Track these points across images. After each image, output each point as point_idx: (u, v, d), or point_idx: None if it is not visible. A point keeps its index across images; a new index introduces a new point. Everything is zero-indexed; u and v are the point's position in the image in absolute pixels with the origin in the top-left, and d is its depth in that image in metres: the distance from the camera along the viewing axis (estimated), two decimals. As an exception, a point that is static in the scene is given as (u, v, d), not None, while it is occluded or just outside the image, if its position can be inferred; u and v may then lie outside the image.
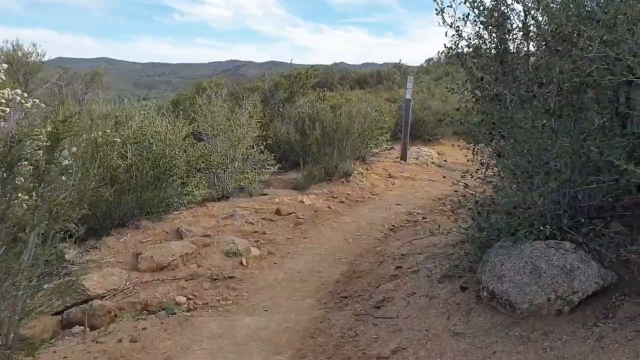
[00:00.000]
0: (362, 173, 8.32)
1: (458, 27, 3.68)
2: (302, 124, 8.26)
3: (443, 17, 3.65)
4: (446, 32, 3.71)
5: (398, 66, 33.09)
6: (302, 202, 6.92)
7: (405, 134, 9.61)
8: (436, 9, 3.63)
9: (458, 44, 3.74)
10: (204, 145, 6.73)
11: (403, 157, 9.61)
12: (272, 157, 7.61)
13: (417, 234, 5.76)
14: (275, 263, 5.10)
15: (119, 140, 5.28)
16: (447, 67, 23.45)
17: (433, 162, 9.66)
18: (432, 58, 34.45)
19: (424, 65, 34.53)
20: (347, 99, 11.00)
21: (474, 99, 3.93)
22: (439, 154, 10.46)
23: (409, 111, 9.66)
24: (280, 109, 10.17)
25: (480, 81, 3.60)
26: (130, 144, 5.89)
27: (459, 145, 10.19)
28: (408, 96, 9.63)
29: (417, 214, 6.87)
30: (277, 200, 6.91)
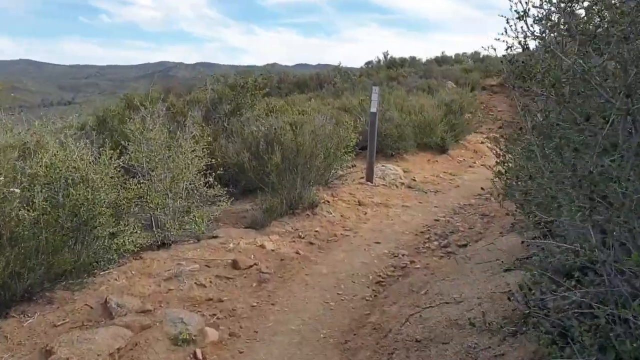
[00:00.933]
0: (328, 202, 7.06)
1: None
2: (257, 146, 6.91)
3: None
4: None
5: (338, 69, 32.11)
6: (263, 246, 5.58)
7: (371, 152, 8.43)
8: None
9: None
10: (139, 181, 5.25)
11: (369, 177, 8.43)
12: (222, 187, 6.20)
13: (413, 290, 4.55)
14: (241, 353, 3.74)
15: (18, 191, 3.76)
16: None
17: (402, 183, 8.54)
18: (372, 61, 33.70)
19: (364, 67, 33.71)
20: (302, 111, 9.73)
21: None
22: (405, 171, 9.36)
23: (375, 126, 8.49)
24: (225, 124, 8.76)
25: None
26: (40, 186, 4.37)
27: (428, 160, 9.03)
28: (373, 109, 8.45)
29: (403, 255, 5.69)
30: (231, 245, 5.53)
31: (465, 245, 5.91)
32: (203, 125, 8.08)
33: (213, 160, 6.25)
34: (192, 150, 5.78)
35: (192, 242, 5.59)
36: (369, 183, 8.37)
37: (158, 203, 5.23)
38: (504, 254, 4.55)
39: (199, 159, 5.73)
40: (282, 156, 6.46)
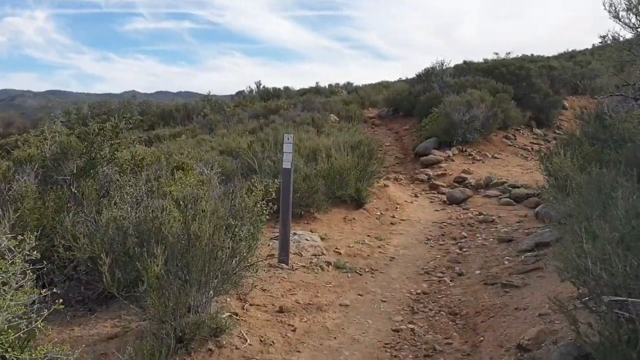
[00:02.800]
0: (237, 315, 4.54)
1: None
2: (124, 243, 4.20)
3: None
4: None
5: (207, 99, 29.26)
6: None
7: (285, 222, 6.05)
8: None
9: None
10: None
11: (283, 257, 6.02)
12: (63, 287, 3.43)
13: None
14: None
15: None
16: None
17: (327, 262, 6.21)
18: (244, 90, 31.30)
19: (236, 97, 31.21)
20: (180, 164, 7.13)
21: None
22: (323, 239, 7.09)
23: (290, 188, 6.12)
24: (73, 189, 5.87)
25: None
26: None
27: (344, 219, 6.84)
28: (287, 164, 6.08)
29: None
30: None
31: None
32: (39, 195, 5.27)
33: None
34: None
35: None
36: (283, 266, 5.94)
37: None
38: None
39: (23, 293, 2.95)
40: (167, 258, 3.84)
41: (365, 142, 10.01)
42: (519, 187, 10.57)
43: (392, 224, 8.50)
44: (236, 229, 4.44)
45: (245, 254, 4.47)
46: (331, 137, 11.44)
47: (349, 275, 6.03)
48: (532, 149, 15.78)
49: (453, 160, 13.25)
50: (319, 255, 6.42)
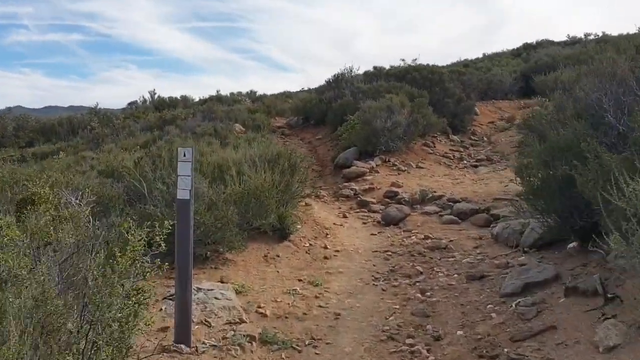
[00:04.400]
0: None
1: None
2: None
3: None
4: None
5: (95, 111, 25.84)
6: None
7: (183, 279, 3.92)
8: None
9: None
10: None
11: (183, 333, 3.88)
12: None
13: None
14: None
15: None
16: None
17: (249, 336, 4.12)
18: (137, 101, 28.11)
19: (128, 108, 27.94)
20: (35, 196, 4.81)
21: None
22: (239, 292, 5.01)
23: (189, 225, 3.98)
24: None
25: None
26: None
27: (266, 257, 4.95)
28: (184, 193, 3.95)
29: None
30: None
31: None
32: None
33: None
34: None
35: None
36: (183, 348, 3.80)
37: None
38: None
39: None
40: None
41: (285, 154, 8.02)
42: (459, 202, 9.07)
43: (326, 258, 6.56)
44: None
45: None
46: (240, 149, 9.35)
47: (283, 355, 3.99)
48: (454, 156, 14.59)
49: (378, 172, 11.61)
50: (236, 324, 4.32)
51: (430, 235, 7.50)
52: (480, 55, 37.04)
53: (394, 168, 12.08)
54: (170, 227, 3.30)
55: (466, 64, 33.30)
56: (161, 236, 3.23)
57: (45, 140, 23.25)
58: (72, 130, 24.32)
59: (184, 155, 3.97)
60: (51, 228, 4.31)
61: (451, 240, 7.16)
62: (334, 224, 8.30)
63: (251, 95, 28.56)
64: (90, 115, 25.24)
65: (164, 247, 3.25)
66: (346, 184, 10.94)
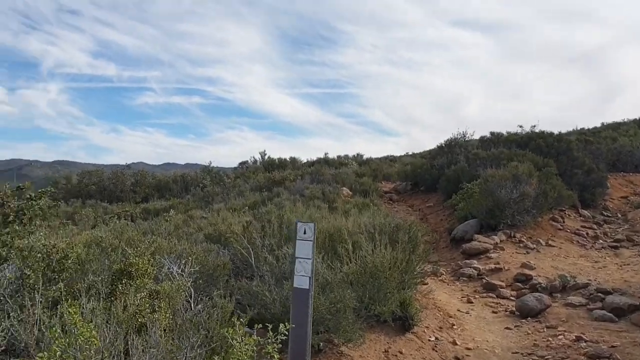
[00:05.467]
0: None
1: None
2: None
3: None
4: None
5: (207, 169, 26.52)
6: None
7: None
8: None
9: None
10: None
11: None
12: None
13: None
14: None
15: None
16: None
17: None
18: (248, 161, 28.65)
19: (239, 168, 28.49)
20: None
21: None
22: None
23: (307, 322, 3.10)
24: None
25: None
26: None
27: (386, 353, 3.84)
28: (303, 281, 3.09)
29: None
30: None
31: None
32: None
33: None
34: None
35: None
36: None
37: None
38: None
39: None
40: None
41: (404, 226, 7.03)
42: (611, 293, 7.49)
43: (457, 359, 5.36)
44: None
45: None
46: (351, 216, 8.52)
47: None
48: (587, 234, 12.74)
49: (503, 249, 10.21)
50: None
51: (584, 337, 6.04)
52: (599, 124, 34.44)
53: (521, 245, 10.62)
54: (286, 333, 2.43)
55: (582, 132, 30.87)
56: (274, 346, 2.37)
57: (160, 196, 24.02)
58: (185, 187, 25.02)
59: (304, 233, 3.15)
60: (146, 306, 3.64)
61: (614, 347, 5.68)
62: (459, 310, 7.07)
63: (357, 158, 28.10)
64: (203, 173, 25.92)
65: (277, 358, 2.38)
66: (467, 261, 9.66)
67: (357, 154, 29.22)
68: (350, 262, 5.59)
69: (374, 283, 5.45)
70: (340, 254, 5.93)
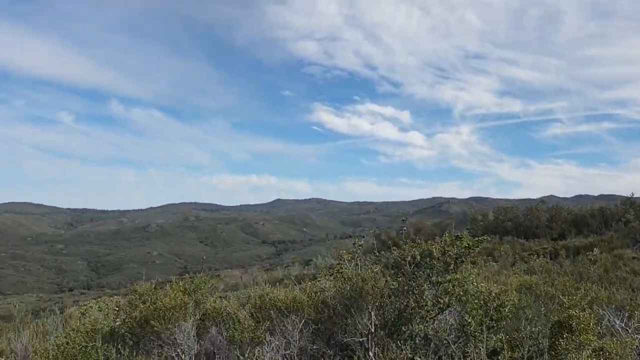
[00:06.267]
0: None
1: None
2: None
3: None
4: None
5: (629, 202, 23.75)
6: None
7: None
8: None
9: None
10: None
11: None
12: None
13: None
14: None
15: None
16: None
17: None
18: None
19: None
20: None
21: None
22: None
23: None
24: None
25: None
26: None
27: None
28: None
29: None
30: None
31: None
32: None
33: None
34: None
35: None
36: None
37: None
38: None
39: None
40: None
41: None
42: None
43: None
44: None
45: None
46: None
47: None
48: None
49: None
50: None
51: None
52: None
53: None
54: None
55: None
56: None
57: (577, 232, 22.84)
58: (604, 222, 23.09)
59: None
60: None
61: None
62: None
63: None
64: (624, 206, 23.39)
65: None
66: None
67: None
68: None
69: None
70: None
